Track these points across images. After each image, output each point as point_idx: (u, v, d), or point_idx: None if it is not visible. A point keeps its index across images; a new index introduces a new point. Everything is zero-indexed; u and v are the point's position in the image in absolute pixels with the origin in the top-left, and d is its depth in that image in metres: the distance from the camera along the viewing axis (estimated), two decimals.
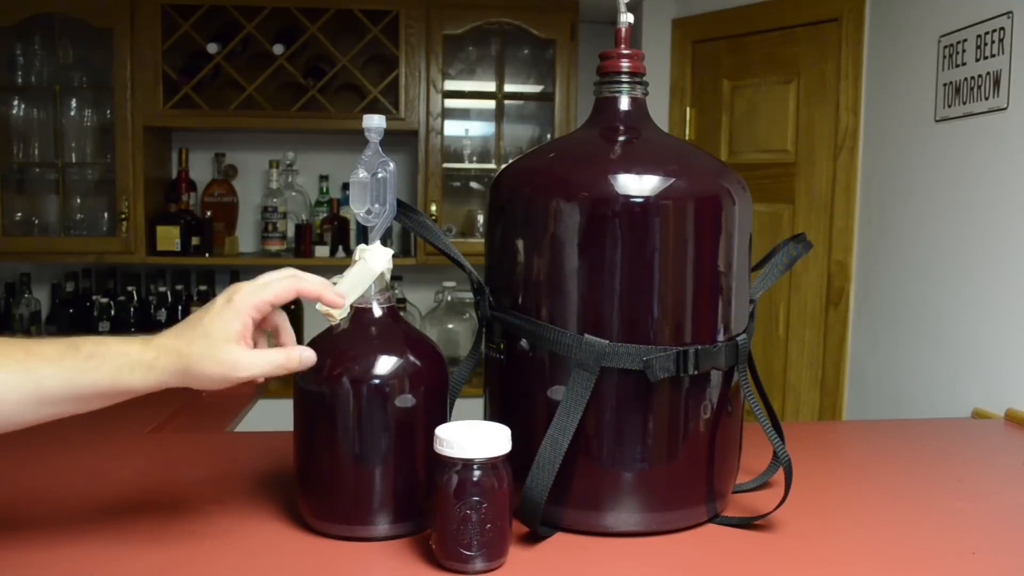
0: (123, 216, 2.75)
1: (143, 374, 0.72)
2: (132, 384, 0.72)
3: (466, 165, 3.04)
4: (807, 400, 2.43)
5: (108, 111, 2.80)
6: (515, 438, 0.81)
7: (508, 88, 3.01)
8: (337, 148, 3.05)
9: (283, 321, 0.80)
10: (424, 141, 2.83)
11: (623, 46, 0.93)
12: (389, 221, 0.87)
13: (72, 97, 2.83)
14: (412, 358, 0.86)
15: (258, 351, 0.76)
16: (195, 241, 2.84)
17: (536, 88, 3.06)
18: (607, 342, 0.84)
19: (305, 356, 0.79)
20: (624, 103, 0.93)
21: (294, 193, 3.02)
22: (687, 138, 2.71)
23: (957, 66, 1.84)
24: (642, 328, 0.86)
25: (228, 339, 0.73)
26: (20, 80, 2.81)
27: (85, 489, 1.02)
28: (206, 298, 2.91)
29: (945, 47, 1.89)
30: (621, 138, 0.93)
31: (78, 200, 2.90)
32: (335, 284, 0.86)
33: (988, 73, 1.74)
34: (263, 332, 0.80)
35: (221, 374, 0.73)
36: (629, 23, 0.94)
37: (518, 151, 3.01)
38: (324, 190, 3.01)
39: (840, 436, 1.50)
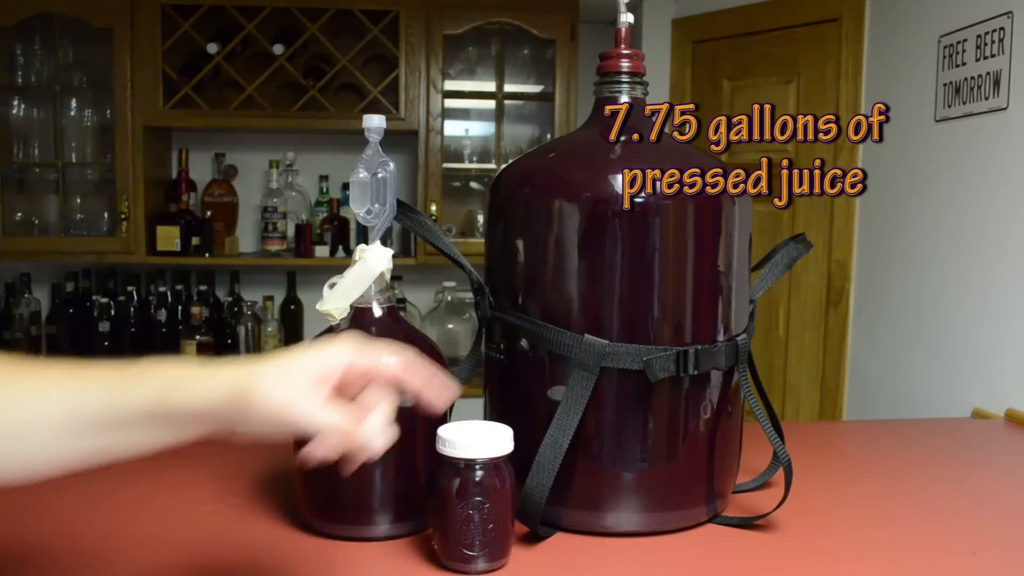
0: (123, 216, 2.75)
1: (192, 389, 0.58)
2: (178, 403, 0.58)
3: (466, 165, 3.04)
4: (807, 400, 2.43)
5: (108, 111, 2.80)
6: (515, 438, 0.82)
7: (508, 88, 3.00)
8: (337, 148, 3.05)
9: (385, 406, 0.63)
10: (424, 141, 2.83)
11: (623, 46, 0.93)
12: (389, 221, 0.87)
13: (72, 97, 2.82)
14: None
15: (328, 407, 0.59)
16: (195, 241, 2.84)
17: (536, 88, 3.05)
18: (607, 342, 0.84)
19: (374, 446, 0.61)
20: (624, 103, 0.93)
21: (294, 193, 3.02)
22: None
23: (957, 66, 1.84)
24: (642, 328, 0.86)
25: (303, 377, 0.59)
26: (20, 80, 2.81)
27: (85, 488, 1.02)
28: (206, 298, 2.91)
29: (945, 47, 1.89)
30: (621, 138, 0.93)
31: (78, 200, 2.89)
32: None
33: (988, 73, 1.74)
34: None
35: (277, 410, 0.58)
36: (629, 23, 0.94)
37: (518, 151, 3.01)
38: (324, 190, 3.01)
39: (840, 436, 1.50)
